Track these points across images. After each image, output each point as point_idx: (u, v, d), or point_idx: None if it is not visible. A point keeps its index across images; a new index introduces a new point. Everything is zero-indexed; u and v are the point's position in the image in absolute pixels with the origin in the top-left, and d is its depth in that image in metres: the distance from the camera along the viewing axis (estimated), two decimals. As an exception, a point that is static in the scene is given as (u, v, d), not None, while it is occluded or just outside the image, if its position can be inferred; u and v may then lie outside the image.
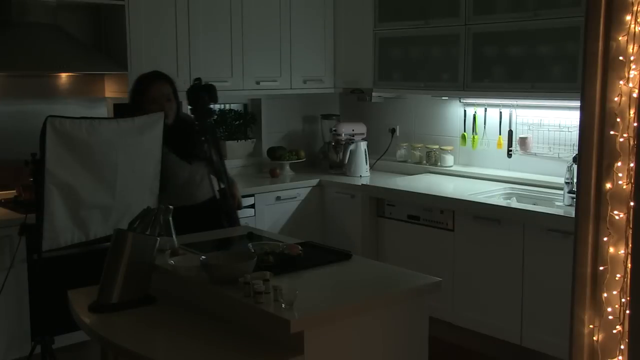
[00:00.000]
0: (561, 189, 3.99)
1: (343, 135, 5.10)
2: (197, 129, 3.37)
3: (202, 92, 3.38)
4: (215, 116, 3.48)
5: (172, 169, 3.38)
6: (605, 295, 2.60)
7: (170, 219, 2.78)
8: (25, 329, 3.59)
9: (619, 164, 2.53)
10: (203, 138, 3.35)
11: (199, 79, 3.44)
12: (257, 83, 4.74)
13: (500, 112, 4.52)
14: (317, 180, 4.86)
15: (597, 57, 2.53)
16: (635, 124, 2.47)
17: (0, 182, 4.00)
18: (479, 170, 4.67)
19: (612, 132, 2.54)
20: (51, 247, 3.02)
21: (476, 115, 4.66)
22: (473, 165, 4.76)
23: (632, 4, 2.46)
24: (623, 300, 2.56)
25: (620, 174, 2.53)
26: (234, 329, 2.32)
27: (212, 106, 3.42)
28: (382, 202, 4.56)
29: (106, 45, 4.33)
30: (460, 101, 4.73)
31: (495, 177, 4.54)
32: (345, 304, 2.33)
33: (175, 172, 3.40)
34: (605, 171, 2.57)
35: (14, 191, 3.90)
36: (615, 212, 2.55)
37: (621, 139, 2.52)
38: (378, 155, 5.21)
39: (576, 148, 3.09)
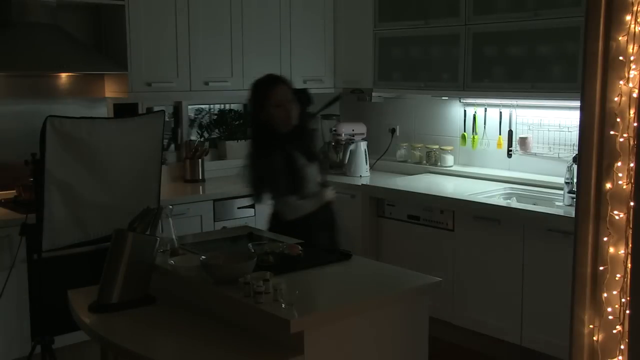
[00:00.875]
0: (561, 189, 3.99)
1: (343, 135, 5.10)
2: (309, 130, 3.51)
3: (302, 96, 3.40)
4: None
5: (302, 171, 3.29)
6: (605, 295, 2.60)
7: (170, 219, 2.79)
8: (25, 329, 3.59)
9: (619, 164, 2.53)
10: (313, 140, 3.58)
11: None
12: (257, 83, 4.74)
13: (500, 112, 4.52)
14: (317, 180, 4.85)
15: (597, 57, 2.53)
16: (635, 124, 2.47)
17: (0, 182, 4.00)
18: (479, 170, 4.67)
19: (612, 132, 2.54)
20: (51, 247, 3.03)
21: (476, 115, 4.66)
22: (473, 165, 4.76)
23: (632, 4, 2.46)
24: (623, 300, 2.56)
25: (620, 174, 2.53)
26: (234, 329, 2.32)
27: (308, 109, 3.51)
28: (382, 202, 4.56)
29: (106, 45, 4.33)
30: (460, 101, 4.73)
31: (495, 177, 4.54)
32: (345, 304, 2.33)
33: (305, 175, 3.29)
34: (605, 171, 2.57)
35: (14, 191, 3.90)
36: (615, 212, 2.55)
37: (621, 139, 2.52)
38: (378, 155, 5.21)
39: (576, 148, 3.09)
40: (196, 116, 4.97)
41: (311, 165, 3.34)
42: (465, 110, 4.72)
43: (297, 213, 3.26)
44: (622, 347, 2.58)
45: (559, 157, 4.26)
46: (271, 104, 3.20)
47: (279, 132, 3.23)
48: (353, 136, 5.10)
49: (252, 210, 4.50)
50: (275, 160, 3.19)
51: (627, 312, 2.54)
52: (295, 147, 3.28)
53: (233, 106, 5.16)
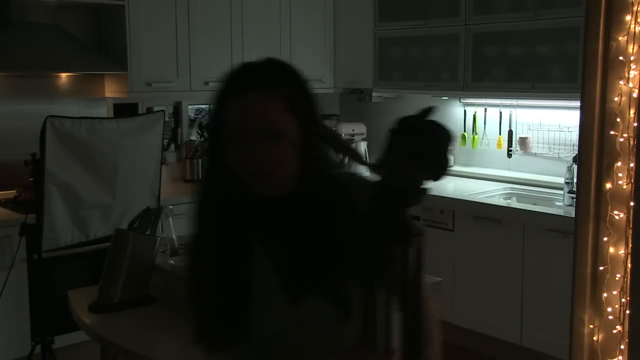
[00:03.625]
0: (561, 189, 3.99)
1: (343, 135, 5.10)
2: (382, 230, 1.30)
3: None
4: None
5: (261, 302, 1.38)
6: (605, 295, 2.60)
7: (170, 219, 2.79)
8: (25, 329, 3.58)
9: (619, 164, 2.53)
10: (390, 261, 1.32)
11: (429, 110, 1.37)
12: (257, 83, 4.74)
13: (500, 112, 4.52)
14: (317, 180, 4.85)
15: (597, 57, 2.53)
16: (635, 124, 2.47)
17: (0, 182, 4.00)
18: (479, 170, 4.67)
19: (612, 132, 2.54)
20: (51, 247, 3.03)
21: (476, 115, 4.65)
22: (473, 165, 4.76)
23: (632, 4, 2.46)
24: (623, 300, 2.56)
25: (620, 174, 2.53)
26: (234, 329, 2.31)
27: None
28: (382, 202, 4.56)
29: (106, 45, 4.33)
30: (460, 101, 4.73)
31: (495, 177, 4.54)
32: (345, 304, 2.31)
33: (263, 311, 1.39)
34: (605, 171, 2.57)
35: (14, 191, 3.90)
36: (615, 212, 2.55)
37: (621, 139, 2.52)
38: (378, 156, 5.20)
39: (576, 148, 3.09)
40: (196, 116, 4.96)
41: (282, 304, 1.37)
42: (465, 110, 4.71)
43: None
44: (622, 347, 2.58)
45: (559, 157, 4.26)
46: (224, 133, 1.35)
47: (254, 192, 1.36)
48: (353, 136, 5.10)
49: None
50: (210, 247, 1.40)
51: (627, 312, 2.54)
52: (272, 250, 1.39)
53: (233, 106, 5.16)
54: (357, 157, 1.45)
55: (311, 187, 1.37)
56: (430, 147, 1.31)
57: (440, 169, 1.32)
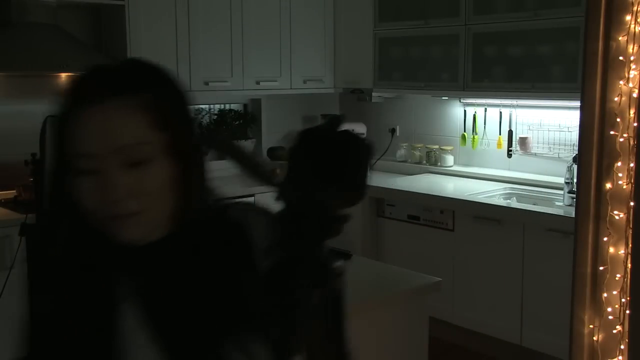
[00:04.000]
0: (561, 189, 3.99)
1: (343, 135, 5.10)
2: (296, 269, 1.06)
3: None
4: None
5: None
6: (605, 295, 2.60)
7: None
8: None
9: (619, 164, 2.54)
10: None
11: (336, 119, 1.06)
12: (257, 83, 4.74)
13: (500, 112, 4.52)
14: (317, 180, 4.85)
15: (597, 57, 2.54)
16: (635, 124, 2.47)
17: (0, 182, 4.00)
18: (479, 170, 4.67)
19: (612, 132, 2.55)
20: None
21: (476, 115, 4.66)
22: (473, 165, 4.76)
23: (632, 4, 2.46)
24: (623, 300, 2.56)
25: (620, 174, 2.54)
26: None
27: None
28: (382, 202, 4.56)
29: (106, 45, 4.33)
30: (460, 101, 4.73)
31: (495, 177, 4.54)
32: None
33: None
34: (605, 171, 2.57)
35: (14, 191, 3.90)
36: (615, 212, 2.56)
37: (621, 139, 2.53)
38: (378, 156, 5.20)
39: (576, 148, 3.09)
40: (196, 116, 4.96)
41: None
42: (465, 110, 4.71)
43: None
44: (622, 347, 2.58)
45: (559, 157, 4.26)
46: (68, 160, 0.99)
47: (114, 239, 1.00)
48: (353, 136, 5.09)
49: (252, 210, 4.49)
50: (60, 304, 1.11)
51: (627, 312, 2.54)
52: (146, 293, 1.03)
53: (233, 106, 5.15)
54: (262, 175, 1.11)
55: (193, 227, 1.02)
56: (343, 164, 1.04)
57: (357, 191, 1.07)
